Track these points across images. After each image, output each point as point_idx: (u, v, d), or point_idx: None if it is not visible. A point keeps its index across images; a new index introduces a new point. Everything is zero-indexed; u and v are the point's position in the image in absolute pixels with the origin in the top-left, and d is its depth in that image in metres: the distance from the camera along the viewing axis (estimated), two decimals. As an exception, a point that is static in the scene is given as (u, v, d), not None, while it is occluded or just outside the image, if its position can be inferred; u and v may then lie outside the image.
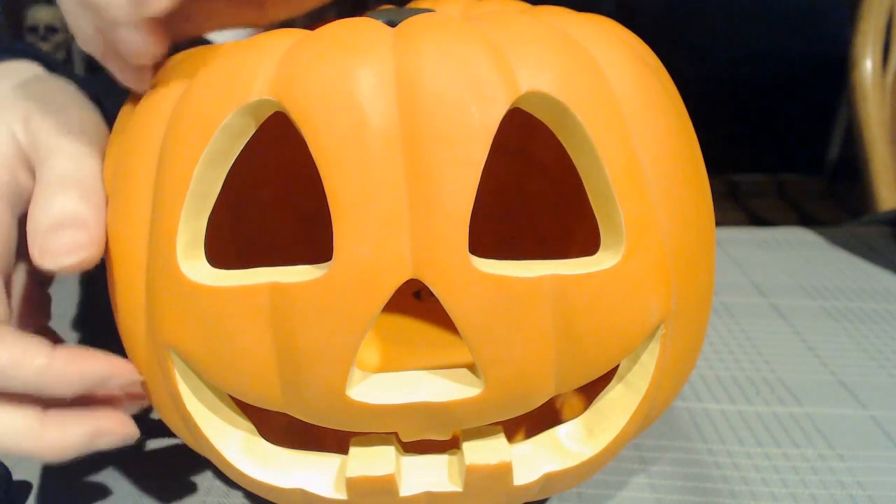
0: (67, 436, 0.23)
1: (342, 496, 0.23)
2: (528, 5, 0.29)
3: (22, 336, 0.23)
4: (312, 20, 0.33)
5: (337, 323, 0.20)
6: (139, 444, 0.33)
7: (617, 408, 0.24)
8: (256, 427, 0.25)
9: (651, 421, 0.26)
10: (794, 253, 0.54)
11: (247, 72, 0.21)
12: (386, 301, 0.20)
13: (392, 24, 0.23)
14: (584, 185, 0.22)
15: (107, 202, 0.25)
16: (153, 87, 0.25)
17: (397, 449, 0.24)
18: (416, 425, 0.22)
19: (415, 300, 0.35)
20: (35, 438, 0.23)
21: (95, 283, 0.48)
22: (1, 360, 0.22)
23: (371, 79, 0.20)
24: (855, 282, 0.50)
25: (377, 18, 0.25)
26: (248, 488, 0.25)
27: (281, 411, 0.22)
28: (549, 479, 0.24)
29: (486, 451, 0.23)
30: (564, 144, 0.22)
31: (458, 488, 0.23)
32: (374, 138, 0.20)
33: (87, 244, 0.23)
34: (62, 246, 0.23)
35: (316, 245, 0.37)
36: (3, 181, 0.24)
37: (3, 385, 0.22)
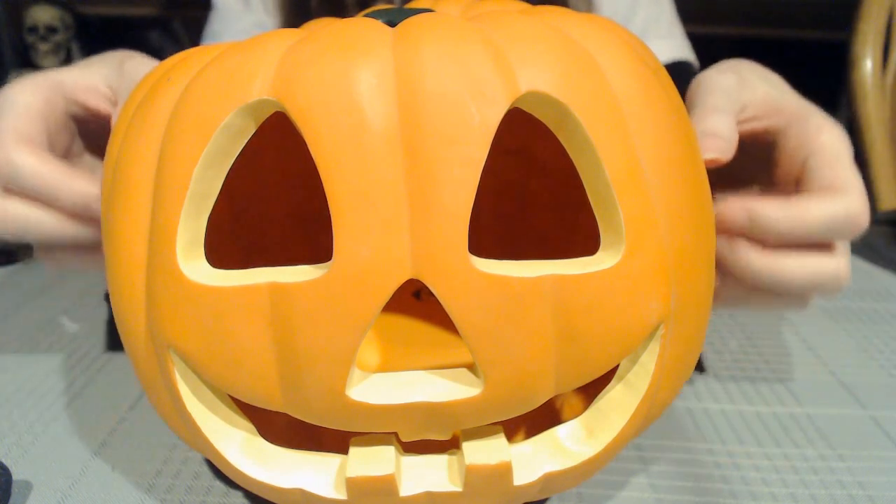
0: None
1: (342, 496, 0.23)
2: (528, 5, 0.29)
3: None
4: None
5: (337, 323, 0.20)
6: (139, 444, 0.33)
7: (617, 408, 0.24)
8: (256, 427, 0.25)
9: (651, 421, 0.26)
10: (794, 253, 0.54)
11: (247, 72, 0.21)
12: (386, 301, 0.20)
13: (392, 24, 0.23)
14: (584, 185, 0.22)
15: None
16: (153, 87, 0.25)
17: (397, 449, 0.24)
18: (415, 425, 0.22)
19: (415, 300, 0.35)
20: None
21: None
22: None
23: (371, 79, 0.20)
24: (855, 282, 0.50)
25: (377, 18, 0.25)
26: (248, 488, 0.25)
27: (281, 411, 0.22)
28: (549, 479, 0.24)
29: (485, 451, 0.23)
30: (564, 144, 0.22)
31: (458, 488, 0.23)
32: (374, 138, 0.20)
33: None
34: None
35: (316, 245, 0.37)
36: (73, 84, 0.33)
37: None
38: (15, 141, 0.30)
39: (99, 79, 0.34)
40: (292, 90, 0.20)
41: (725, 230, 0.29)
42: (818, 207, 0.28)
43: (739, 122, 0.31)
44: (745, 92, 0.32)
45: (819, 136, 0.30)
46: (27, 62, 1.80)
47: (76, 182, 0.30)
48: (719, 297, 0.31)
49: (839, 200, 0.28)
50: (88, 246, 0.32)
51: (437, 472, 0.24)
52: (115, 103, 0.34)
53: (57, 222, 0.31)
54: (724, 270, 0.29)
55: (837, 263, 0.29)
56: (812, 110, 0.31)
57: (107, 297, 0.47)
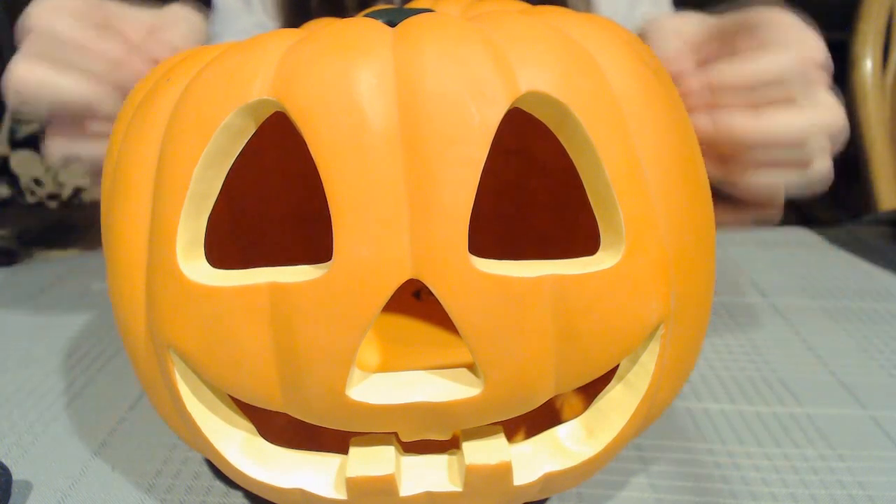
0: None
1: (342, 496, 0.23)
2: (528, 5, 0.29)
3: None
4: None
5: (337, 323, 0.20)
6: (139, 444, 0.33)
7: (617, 408, 0.24)
8: (256, 427, 0.25)
9: (651, 421, 0.26)
10: (794, 253, 0.54)
11: (247, 72, 0.21)
12: (386, 301, 0.20)
13: (392, 24, 0.23)
14: (584, 185, 0.22)
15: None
16: (153, 87, 0.25)
17: (397, 449, 0.24)
18: (415, 425, 0.22)
19: (415, 300, 0.35)
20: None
21: None
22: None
23: (371, 79, 0.20)
24: (855, 282, 0.50)
25: (377, 18, 0.25)
26: (248, 488, 0.25)
27: (281, 411, 0.22)
28: (549, 479, 0.24)
29: (486, 451, 0.23)
30: (564, 144, 0.22)
31: (458, 488, 0.23)
32: (374, 138, 0.20)
33: None
34: None
35: (316, 245, 0.37)
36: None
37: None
38: (53, 6, 0.34)
39: (139, 12, 0.38)
40: (292, 90, 0.20)
41: (693, 106, 0.30)
42: (767, 53, 0.30)
43: (696, 47, 0.33)
44: (691, 26, 0.34)
45: (763, 14, 0.32)
46: (27, 62, 1.80)
47: (106, 43, 0.34)
48: (730, 194, 0.33)
49: (787, 47, 0.30)
50: (102, 123, 0.34)
51: (437, 472, 0.24)
52: (151, 34, 0.36)
53: (81, 83, 0.33)
54: (721, 153, 0.30)
55: (826, 103, 0.31)
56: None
57: None
